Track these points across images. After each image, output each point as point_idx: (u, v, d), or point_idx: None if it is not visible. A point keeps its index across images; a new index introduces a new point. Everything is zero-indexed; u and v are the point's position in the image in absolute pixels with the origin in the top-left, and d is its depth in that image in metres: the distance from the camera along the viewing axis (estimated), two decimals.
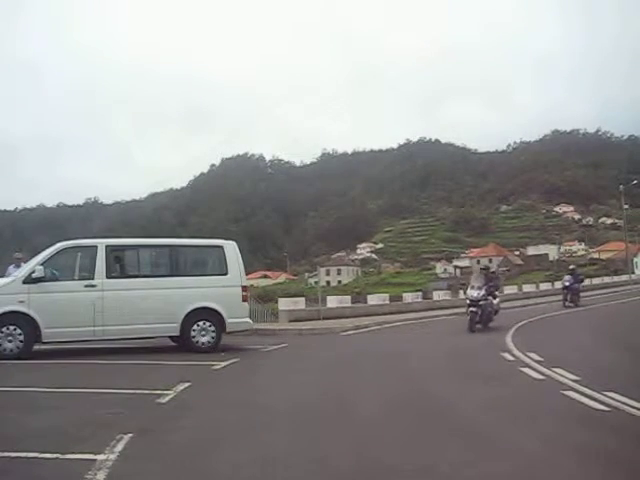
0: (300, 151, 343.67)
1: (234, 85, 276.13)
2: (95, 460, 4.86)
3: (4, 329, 11.77)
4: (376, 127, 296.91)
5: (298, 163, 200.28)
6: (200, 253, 14.58)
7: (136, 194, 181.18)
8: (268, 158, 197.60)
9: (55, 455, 5.01)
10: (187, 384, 8.68)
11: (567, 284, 29.19)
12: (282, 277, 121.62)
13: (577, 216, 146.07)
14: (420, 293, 35.87)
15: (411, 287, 66.30)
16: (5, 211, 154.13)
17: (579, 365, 9.89)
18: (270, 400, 7.93)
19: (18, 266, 14.40)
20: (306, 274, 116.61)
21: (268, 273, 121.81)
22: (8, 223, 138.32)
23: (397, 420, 6.71)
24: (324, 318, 24.06)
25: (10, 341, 11.77)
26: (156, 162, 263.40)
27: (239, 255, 13.98)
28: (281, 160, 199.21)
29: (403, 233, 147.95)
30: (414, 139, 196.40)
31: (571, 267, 32.25)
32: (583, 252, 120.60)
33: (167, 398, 7.72)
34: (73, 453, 5.07)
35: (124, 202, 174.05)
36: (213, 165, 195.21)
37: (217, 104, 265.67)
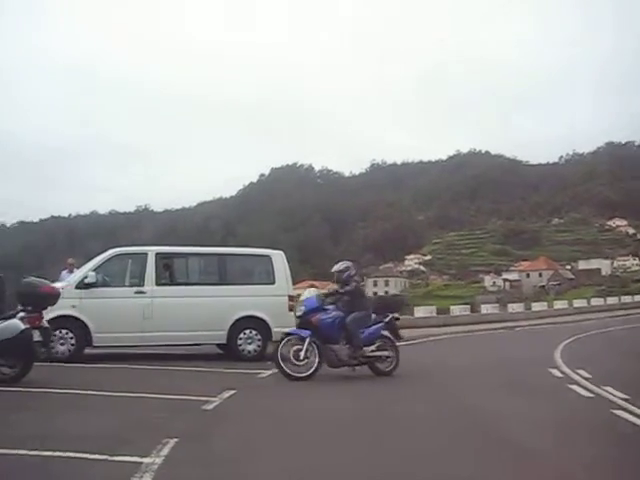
0: (349, 162, 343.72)
1: (284, 95, 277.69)
2: (141, 463, 4.97)
3: (57, 332, 12.07)
4: (425, 138, 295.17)
5: (347, 174, 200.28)
6: (248, 262, 14.73)
7: (186, 202, 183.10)
8: (317, 168, 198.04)
9: (104, 457, 5.14)
10: (232, 392, 8.78)
11: None
12: (329, 287, 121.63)
13: (631, 230, 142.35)
14: (468, 306, 35.58)
15: (459, 300, 65.69)
16: (60, 217, 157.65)
17: (629, 383, 9.70)
18: (314, 409, 8.01)
19: (71, 271, 14.80)
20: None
21: (315, 283, 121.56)
22: (62, 229, 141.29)
23: (439, 434, 6.69)
24: None
25: (62, 344, 12.09)
26: (206, 171, 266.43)
27: (286, 265, 14.10)
28: (330, 170, 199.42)
29: (452, 245, 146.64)
30: (464, 150, 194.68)
31: None
32: (637, 267, 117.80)
33: (212, 405, 7.84)
34: (121, 455, 5.18)
35: (174, 210, 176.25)
36: (262, 175, 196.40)
37: (267, 114, 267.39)
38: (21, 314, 9.51)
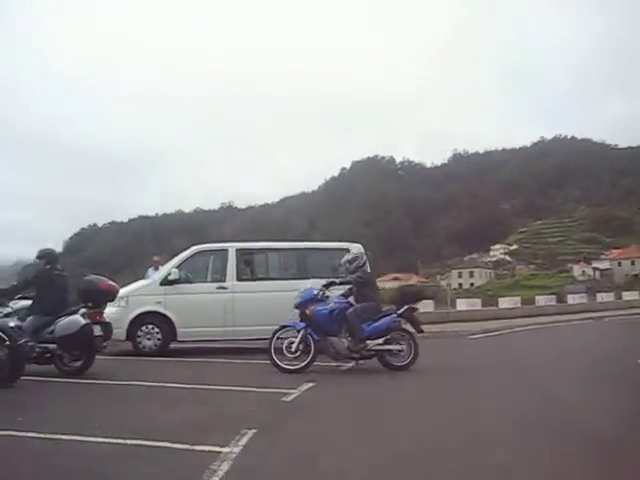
0: (431, 152, 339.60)
1: (364, 88, 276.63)
2: (220, 452, 5.15)
3: (143, 328, 12.58)
4: (508, 125, 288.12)
5: (429, 164, 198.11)
6: (327, 256, 14.79)
7: (269, 198, 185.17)
8: (398, 160, 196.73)
9: (185, 446, 5.37)
10: (312, 384, 8.93)
11: None
12: (413, 280, 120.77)
13: None
14: (554, 296, 34.76)
15: (546, 290, 64.06)
16: (147, 217, 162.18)
17: None
18: (393, 400, 8.08)
19: (156, 269, 15.31)
20: (438, 277, 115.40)
21: (399, 276, 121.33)
22: (149, 228, 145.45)
23: (522, 429, 6.63)
24: (453, 321, 23.86)
25: (149, 339, 12.59)
26: (288, 167, 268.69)
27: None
28: (412, 162, 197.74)
29: (538, 234, 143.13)
30: (548, 136, 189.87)
31: None
32: None
33: (292, 397, 7.99)
34: (201, 445, 5.39)
35: (257, 206, 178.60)
36: (344, 168, 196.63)
37: (348, 108, 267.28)
38: (82, 310, 10.04)
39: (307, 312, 10.88)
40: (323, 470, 4.89)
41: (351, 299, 11.21)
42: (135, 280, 14.53)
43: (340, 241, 15.53)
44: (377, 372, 10.79)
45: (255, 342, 13.54)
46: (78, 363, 10.14)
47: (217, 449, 5.25)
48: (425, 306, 24.86)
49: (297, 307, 11.12)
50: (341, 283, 11.31)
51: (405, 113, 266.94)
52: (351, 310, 10.85)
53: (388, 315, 10.96)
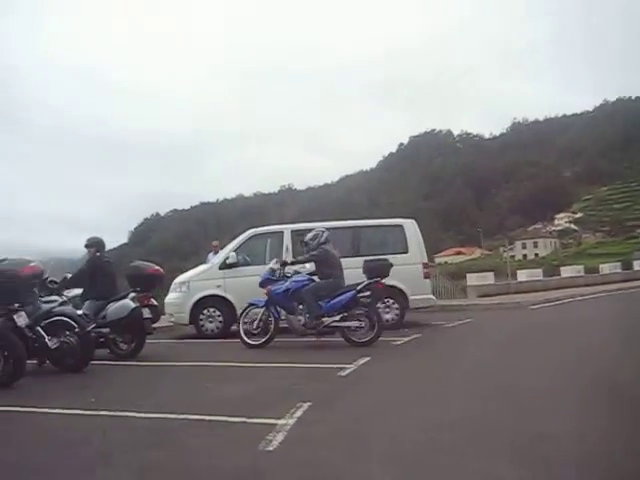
0: (489, 123, 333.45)
1: (418, 63, 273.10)
2: (275, 424, 5.41)
3: (205, 311, 13.03)
4: (568, 90, 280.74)
5: (487, 135, 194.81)
6: (381, 233, 14.97)
7: (328, 178, 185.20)
8: (456, 133, 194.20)
9: (242, 419, 5.66)
10: (367, 358, 9.11)
11: None
12: (476, 253, 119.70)
13: None
14: (619, 264, 34.06)
15: (613, 258, 62.49)
16: (208, 203, 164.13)
17: None
18: (446, 373, 8.16)
19: (216, 253, 15.75)
20: (501, 248, 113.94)
21: (462, 249, 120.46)
22: (211, 214, 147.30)
23: (568, 390, 6.71)
24: (515, 292, 23.74)
25: (211, 322, 13.06)
26: (346, 146, 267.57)
27: (419, 233, 14.31)
28: (469, 134, 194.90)
29: (604, 200, 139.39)
30: (611, 98, 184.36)
31: None
32: None
33: (347, 371, 8.19)
34: (257, 418, 5.67)
35: (317, 187, 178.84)
36: (401, 144, 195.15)
37: (402, 82, 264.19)
38: (132, 294, 10.56)
39: (265, 291, 11.45)
40: (375, 441, 5.05)
41: (316, 277, 11.54)
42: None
43: (400, 217, 15.65)
44: (435, 343, 10.95)
45: None
46: (131, 346, 10.65)
47: (272, 421, 5.51)
48: (485, 278, 24.87)
49: (260, 286, 11.70)
50: (295, 262, 11.85)
51: (461, 85, 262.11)
52: (307, 288, 11.22)
53: (348, 292, 11.13)
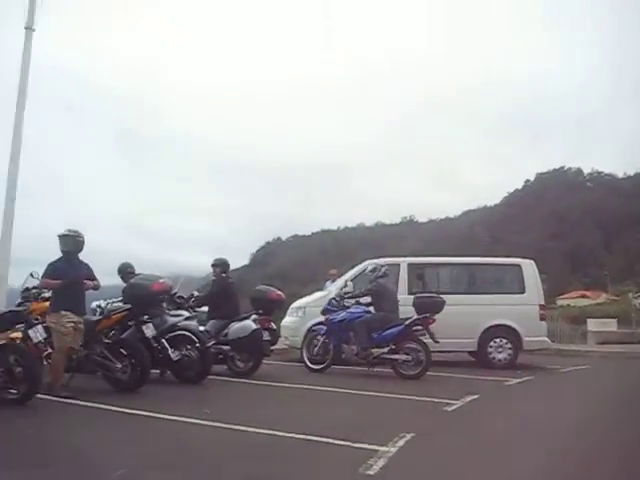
0: (622, 162, 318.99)
1: (548, 97, 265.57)
2: (378, 450, 5.61)
3: (319, 337, 13.34)
4: None
5: (621, 175, 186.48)
6: (498, 271, 14.89)
7: (450, 212, 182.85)
8: (586, 171, 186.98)
9: (346, 443, 5.90)
10: (475, 396, 9.15)
11: None
12: (602, 297, 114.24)
13: None
14: None
15: None
16: (329, 230, 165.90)
17: None
18: (556, 420, 7.99)
19: (333, 281, 16.09)
20: (630, 294, 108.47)
21: (587, 293, 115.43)
22: (332, 241, 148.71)
23: None
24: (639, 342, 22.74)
25: None
26: (469, 180, 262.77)
27: (537, 274, 14.15)
28: (601, 172, 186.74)
29: None
30: None
31: None
32: None
33: (453, 407, 8.27)
34: (361, 443, 5.88)
35: (438, 220, 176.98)
36: (527, 181, 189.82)
37: (530, 117, 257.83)
38: (254, 316, 11.08)
39: (324, 320, 12.09)
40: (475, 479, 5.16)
41: (372, 308, 11.99)
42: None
43: (523, 255, 15.57)
44: (547, 387, 10.79)
45: None
46: (248, 365, 11.13)
47: (375, 447, 5.70)
48: (608, 325, 24.02)
49: (322, 314, 12.39)
50: (355, 296, 12.29)
51: (593, 121, 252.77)
52: (359, 320, 11.65)
53: (397, 325, 11.49)
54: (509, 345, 13.48)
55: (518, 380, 11.35)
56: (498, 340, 13.45)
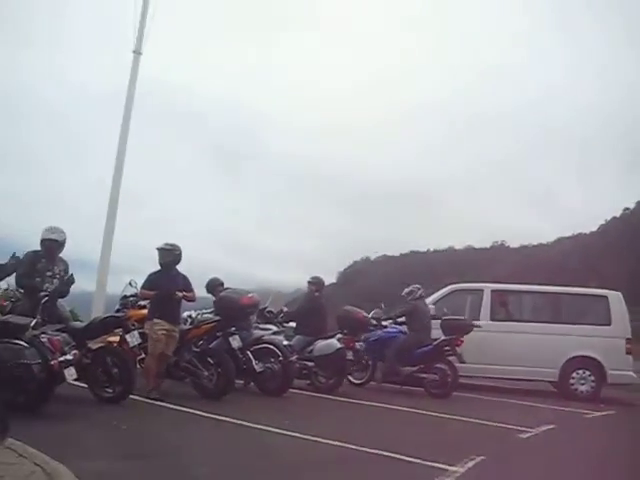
0: None
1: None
2: (447, 470, 5.82)
3: None
4: None
5: None
6: (583, 302, 14.70)
7: (543, 238, 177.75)
8: None
9: (416, 460, 6.14)
10: (551, 426, 9.12)
11: None
12: None
13: None
14: None
15: None
16: (418, 252, 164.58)
17: None
18: (633, 457, 7.74)
19: None
20: None
21: None
22: (421, 263, 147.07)
23: None
24: None
25: None
26: (564, 206, 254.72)
27: (624, 306, 13.89)
28: None
29: None
30: None
31: None
32: None
33: (528, 434, 8.33)
34: (431, 461, 6.09)
35: (530, 246, 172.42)
36: (627, 209, 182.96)
37: (628, 143, 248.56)
38: (339, 335, 11.43)
39: (362, 339, 12.35)
40: None
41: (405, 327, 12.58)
42: None
43: (617, 287, 15.36)
44: (630, 424, 10.65)
45: (505, 381, 13.90)
46: (330, 381, 11.47)
47: (444, 467, 5.91)
48: None
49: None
50: (390, 317, 13.08)
51: None
52: (391, 339, 12.35)
53: (427, 346, 11.95)
54: (592, 377, 13.27)
55: (599, 413, 11.21)
56: (581, 372, 13.28)
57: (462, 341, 12.07)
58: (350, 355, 11.54)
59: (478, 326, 12.63)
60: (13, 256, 7.75)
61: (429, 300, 14.24)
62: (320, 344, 11.36)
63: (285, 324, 12.40)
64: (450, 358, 12.08)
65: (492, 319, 13.64)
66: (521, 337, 13.39)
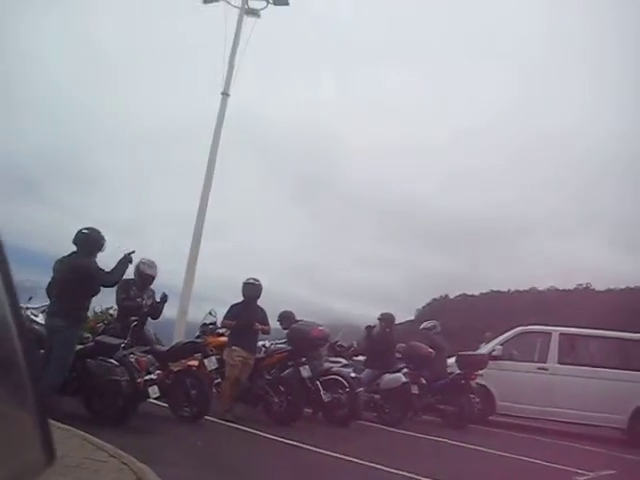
0: None
1: None
2: None
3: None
4: None
5: None
6: None
7: (631, 282, 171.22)
8: None
9: None
10: (613, 471, 9.11)
11: None
12: None
13: None
14: None
15: None
16: (499, 292, 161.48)
17: None
18: None
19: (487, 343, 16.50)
20: None
21: None
22: (501, 303, 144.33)
23: None
24: None
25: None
26: None
27: None
28: None
29: None
30: None
31: None
32: None
33: (584, 477, 8.42)
34: None
35: (617, 290, 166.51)
36: None
37: None
38: (405, 370, 11.85)
39: None
40: None
41: None
42: None
43: None
44: None
45: (571, 425, 13.87)
46: (396, 414, 11.85)
47: None
48: None
49: None
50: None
51: None
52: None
53: (443, 379, 12.55)
54: None
55: None
56: None
57: (476, 375, 12.69)
58: (415, 389, 11.91)
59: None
60: (123, 259, 8.52)
61: (497, 341, 14.49)
62: (387, 378, 11.80)
63: (355, 358, 12.94)
64: (469, 390, 12.61)
65: (559, 362, 13.72)
66: (589, 382, 13.36)
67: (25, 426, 0.94)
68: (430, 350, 12.89)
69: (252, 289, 10.28)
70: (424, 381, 12.29)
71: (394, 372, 11.93)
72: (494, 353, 13.92)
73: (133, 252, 8.63)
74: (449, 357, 13.43)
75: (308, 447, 8.05)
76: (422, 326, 13.72)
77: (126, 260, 8.47)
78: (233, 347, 9.81)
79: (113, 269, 8.41)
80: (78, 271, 7.98)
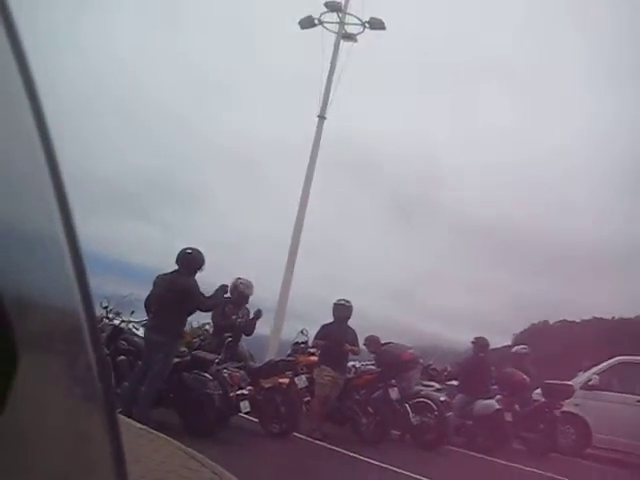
0: None
1: None
2: None
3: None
4: None
5: None
6: None
7: None
8: None
9: None
10: None
11: None
12: None
13: None
14: None
15: None
16: (602, 319, 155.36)
17: None
18: None
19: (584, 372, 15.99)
20: None
21: None
22: (604, 331, 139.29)
23: None
24: None
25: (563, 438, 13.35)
26: None
27: None
28: None
29: None
30: None
31: None
32: None
33: None
34: None
35: None
36: None
37: None
38: (498, 396, 11.74)
39: None
40: None
41: None
42: None
43: None
44: None
45: None
46: (488, 442, 11.53)
47: None
48: None
49: None
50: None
51: None
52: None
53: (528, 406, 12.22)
54: None
55: None
56: None
57: (562, 404, 12.22)
58: (509, 417, 11.69)
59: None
60: (220, 288, 9.04)
61: (594, 370, 14.05)
62: (479, 404, 11.65)
63: (448, 382, 12.87)
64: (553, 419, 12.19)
65: None
66: None
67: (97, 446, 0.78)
68: (524, 377, 12.63)
69: (343, 310, 10.48)
70: (518, 408, 12.09)
71: (487, 398, 11.79)
72: (591, 383, 13.50)
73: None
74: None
75: (394, 469, 8.11)
76: (513, 350, 13.41)
77: (222, 290, 8.94)
78: (323, 366, 9.98)
79: (211, 296, 8.86)
80: (179, 290, 8.39)
